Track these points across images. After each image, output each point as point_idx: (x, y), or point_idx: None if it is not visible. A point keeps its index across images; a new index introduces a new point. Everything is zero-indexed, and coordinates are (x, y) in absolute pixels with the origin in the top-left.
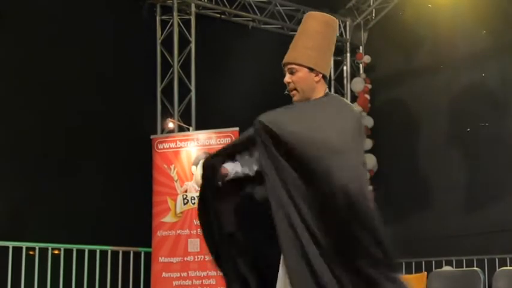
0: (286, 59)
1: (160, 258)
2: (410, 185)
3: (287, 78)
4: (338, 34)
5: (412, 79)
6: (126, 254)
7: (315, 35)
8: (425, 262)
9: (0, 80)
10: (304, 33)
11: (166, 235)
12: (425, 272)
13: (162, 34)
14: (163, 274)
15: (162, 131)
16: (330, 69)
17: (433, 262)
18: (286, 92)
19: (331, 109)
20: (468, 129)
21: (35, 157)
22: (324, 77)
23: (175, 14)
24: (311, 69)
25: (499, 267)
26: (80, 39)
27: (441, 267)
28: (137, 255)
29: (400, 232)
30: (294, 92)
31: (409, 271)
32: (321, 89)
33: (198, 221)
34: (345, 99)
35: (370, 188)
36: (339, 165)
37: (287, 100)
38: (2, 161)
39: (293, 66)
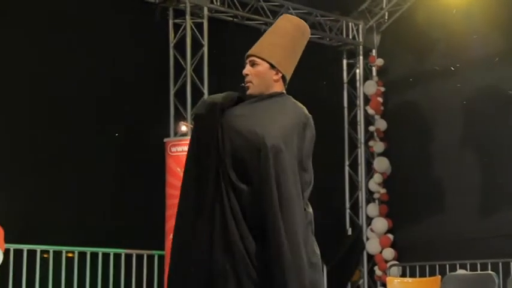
0: (250, 51)
1: None
2: (424, 188)
3: (246, 70)
4: (350, 37)
5: (426, 81)
6: (139, 257)
7: (284, 35)
8: (439, 265)
9: (15, 82)
10: (274, 31)
11: None
12: (440, 276)
13: (174, 37)
14: None
15: (175, 134)
16: (291, 72)
17: (447, 265)
18: (242, 84)
19: (274, 106)
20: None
21: (49, 161)
22: (283, 78)
23: (188, 17)
24: (272, 66)
25: None
26: (92, 42)
27: (455, 270)
28: (151, 258)
29: (414, 235)
30: (249, 84)
31: (423, 274)
32: (278, 89)
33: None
34: (295, 100)
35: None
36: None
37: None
38: (16, 164)
39: (255, 59)
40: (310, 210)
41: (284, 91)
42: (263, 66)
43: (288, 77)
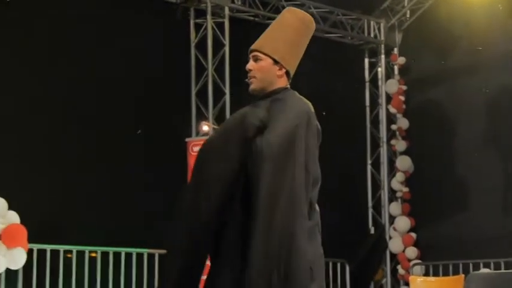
0: (253, 46)
1: None
2: (447, 187)
3: (249, 65)
4: (372, 36)
5: (448, 79)
6: (162, 257)
7: (287, 29)
8: (462, 264)
9: (32, 88)
10: (277, 25)
11: None
12: (463, 275)
13: (196, 37)
14: None
15: (197, 134)
16: (295, 66)
17: (471, 264)
18: (246, 80)
19: (276, 106)
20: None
21: (72, 160)
22: (287, 73)
23: (209, 17)
24: (276, 62)
25: None
26: (113, 43)
27: (479, 269)
28: None
29: (437, 234)
30: (253, 79)
31: (446, 273)
32: (281, 84)
33: None
34: (299, 96)
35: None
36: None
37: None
38: (39, 164)
39: (258, 54)
40: (317, 209)
41: (288, 86)
42: (266, 62)
43: (292, 72)
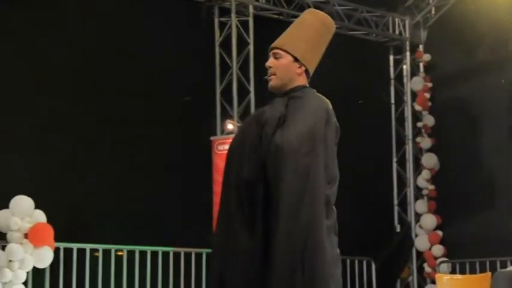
0: (273, 44)
1: None
2: (473, 184)
3: (269, 62)
4: (397, 33)
5: (474, 76)
6: (187, 255)
7: (308, 28)
8: (489, 262)
9: (62, 87)
10: (298, 25)
11: None
12: (490, 272)
13: (220, 36)
14: None
15: (222, 133)
16: (315, 66)
17: (498, 262)
18: (265, 77)
19: (295, 104)
20: None
21: (97, 160)
22: (306, 71)
23: (233, 15)
24: (296, 60)
25: None
26: (138, 41)
27: (506, 267)
28: (199, 256)
29: (464, 231)
30: (272, 76)
31: (473, 271)
32: (301, 82)
33: None
34: (318, 94)
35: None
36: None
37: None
38: (66, 164)
39: (278, 51)
40: (334, 208)
41: (307, 84)
42: (286, 59)
43: (311, 71)
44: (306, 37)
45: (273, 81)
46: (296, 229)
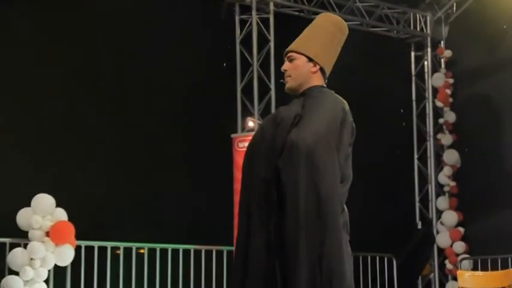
0: (288, 48)
1: None
2: (494, 181)
3: (284, 66)
4: (418, 29)
5: (495, 72)
6: (208, 253)
7: (320, 31)
8: (511, 258)
9: (90, 81)
10: (311, 28)
11: None
12: None
13: (241, 33)
14: None
15: (243, 130)
16: (331, 66)
17: None
18: (281, 80)
19: (311, 103)
20: None
21: (118, 158)
22: (322, 70)
23: (254, 13)
24: (310, 60)
25: None
26: (160, 39)
27: None
28: (219, 253)
29: (485, 228)
30: (288, 78)
31: (495, 267)
32: (317, 82)
33: None
34: (335, 94)
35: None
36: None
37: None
38: (87, 162)
39: (292, 54)
40: (346, 209)
41: (324, 84)
42: (301, 60)
43: (327, 70)
44: (318, 37)
45: (289, 83)
46: (314, 228)
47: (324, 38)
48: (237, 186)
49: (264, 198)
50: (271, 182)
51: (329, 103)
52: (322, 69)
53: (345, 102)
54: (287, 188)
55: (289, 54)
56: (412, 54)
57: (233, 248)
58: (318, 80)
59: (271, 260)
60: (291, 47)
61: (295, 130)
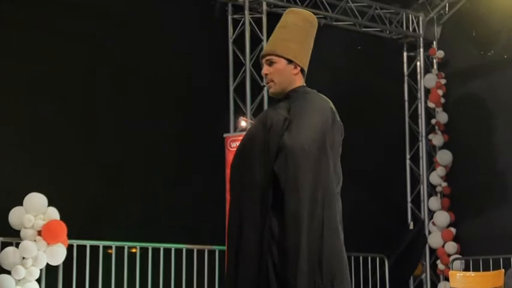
0: (264, 50)
1: None
2: (486, 181)
3: (265, 70)
4: (411, 30)
5: (487, 73)
6: (200, 252)
7: (293, 28)
8: (503, 259)
9: (85, 81)
10: (283, 27)
11: None
12: (503, 269)
13: (233, 33)
14: None
15: (235, 130)
16: (307, 64)
17: None
18: (263, 83)
19: (299, 104)
20: None
21: (111, 157)
22: (302, 70)
23: (246, 12)
24: (290, 61)
25: None
26: (151, 39)
27: None
28: (212, 253)
29: (477, 229)
30: (271, 83)
31: (486, 268)
32: (299, 83)
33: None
34: (319, 94)
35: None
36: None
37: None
38: (79, 160)
39: (272, 57)
40: (340, 207)
41: (304, 84)
42: (281, 63)
43: (306, 69)
44: (294, 37)
45: (273, 88)
46: (313, 231)
47: (298, 36)
48: (229, 185)
49: (258, 202)
50: (266, 186)
51: (316, 104)
52: (302, 70)
53: (330, 101)
54: (285, 192)
55: (267, 57)
56: (405, 54)
57: (225, 248)
58: (299, 81)
59: (263, 257)
60: (269, 49)
61: (287, 134)
